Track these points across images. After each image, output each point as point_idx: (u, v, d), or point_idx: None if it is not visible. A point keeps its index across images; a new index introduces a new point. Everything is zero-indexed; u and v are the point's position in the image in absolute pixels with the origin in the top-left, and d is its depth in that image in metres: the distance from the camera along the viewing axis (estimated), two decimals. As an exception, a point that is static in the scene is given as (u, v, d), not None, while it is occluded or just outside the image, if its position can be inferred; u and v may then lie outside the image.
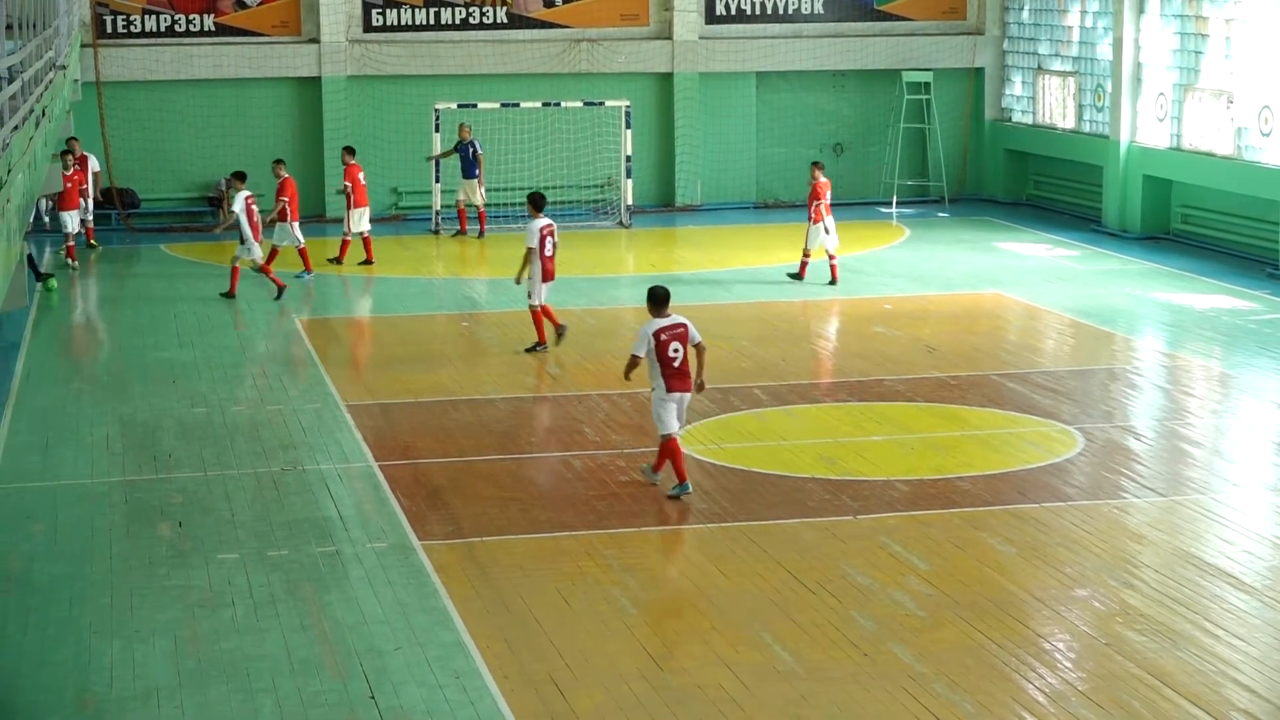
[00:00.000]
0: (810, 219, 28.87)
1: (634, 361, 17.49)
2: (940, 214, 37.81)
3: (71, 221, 31.23)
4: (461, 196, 34.55)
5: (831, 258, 29.03)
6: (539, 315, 24.07)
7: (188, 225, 35.69)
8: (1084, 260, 31.88)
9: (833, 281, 28.97)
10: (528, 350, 24.08)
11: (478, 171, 34.33)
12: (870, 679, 12.83)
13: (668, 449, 17.52)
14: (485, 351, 24.61)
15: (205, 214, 36.16)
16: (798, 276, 29.40)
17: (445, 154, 34.83)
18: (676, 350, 17.38)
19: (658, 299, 17.61)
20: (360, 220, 31.29)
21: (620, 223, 36.11)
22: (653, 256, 33.17)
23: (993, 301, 28.17)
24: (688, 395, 17.55)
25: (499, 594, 14.68)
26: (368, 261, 31.19)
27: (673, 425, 17.45)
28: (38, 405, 21.79)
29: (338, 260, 31.26)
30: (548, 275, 23.84)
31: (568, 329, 24.45)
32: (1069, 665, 13.18)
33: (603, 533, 16.38)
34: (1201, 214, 33.20)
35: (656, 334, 17.36)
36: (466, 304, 28.29)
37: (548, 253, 23.75)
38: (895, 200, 38.59)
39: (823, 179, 28.93)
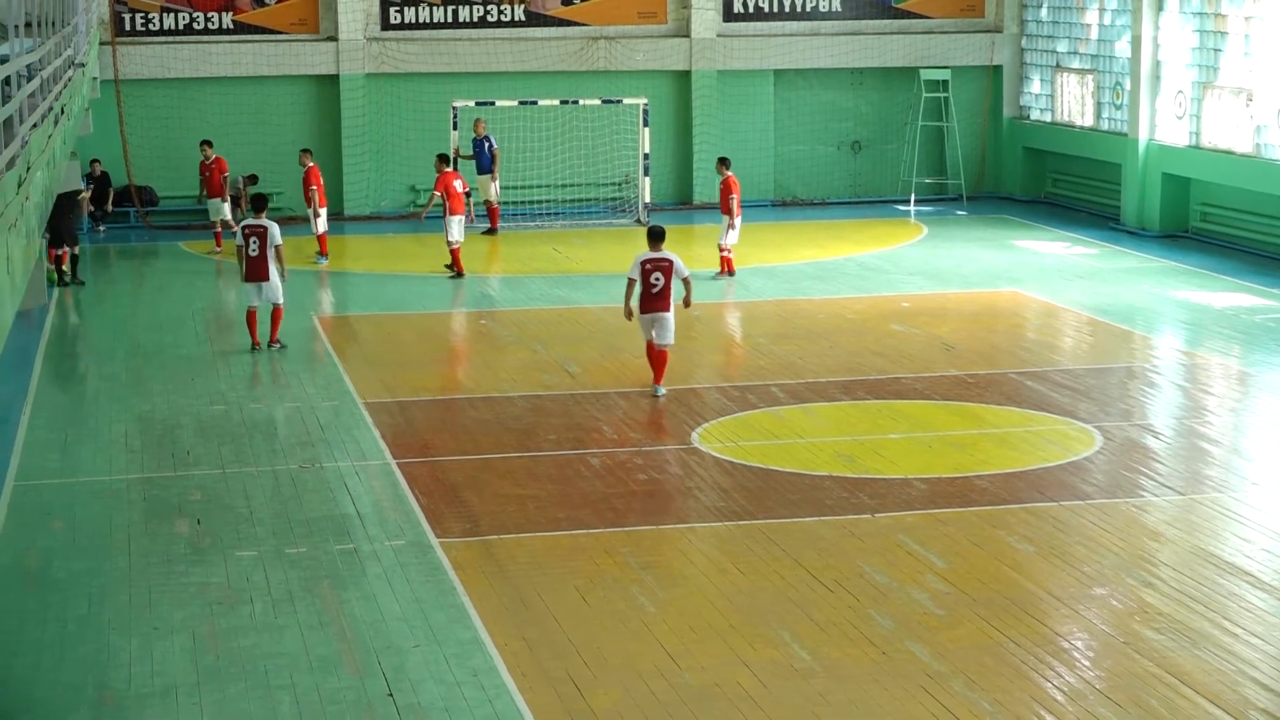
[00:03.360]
0: (733, 214, 29.07)
1: (630, 284, 21.24)
2: (958, 212, 37.76)
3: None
4: (482, 194, 34.60)
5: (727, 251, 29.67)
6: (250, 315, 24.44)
7: (207, 224, 35.69)
8: (1102, 258, 31.82)
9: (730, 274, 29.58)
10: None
11: (493, 168, 34.38)
12: (888, 677, 12.83)
13: (649, 351, 21.43)
14: (503, 349, 24.62)
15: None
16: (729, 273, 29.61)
17: (467, 156, 34.76)
18: (657, 279, 21.06)
19: (652, 235, 21.48)
20: (458, 228, 29.73)
21: (638, 220, 36.09)
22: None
23: (1011, 299, 28.13)
24: (661, 315, 21.10)
25: (517, 592, 14.69)
26: (458, 273, 30.04)
27: (646, 336, 21.36)
28: (56, 402, 21.85)
29: (456, 270, 29.91)
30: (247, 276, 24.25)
31: (258, 346, 24.26)
32: (1087, 664, 13.16)
33: (620, 531, 16.39)
34: (1220, 212, 33.13)
35: (643, 264, 21.12)
36: (484, 301, 28.30)
37: (251, 253, 23.89)
38: (913, 198, 38.56)
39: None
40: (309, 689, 12.74)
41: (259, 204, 24.56)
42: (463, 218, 30.05)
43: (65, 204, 29.98)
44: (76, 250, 29.90)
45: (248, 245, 23.93)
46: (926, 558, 15.48)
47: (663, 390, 21.39)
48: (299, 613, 14.27)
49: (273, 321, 24.25)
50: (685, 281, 21.34)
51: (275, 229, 24.08)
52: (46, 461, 19.08)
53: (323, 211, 31.59)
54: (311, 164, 31.87)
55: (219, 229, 32.75)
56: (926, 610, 14.20)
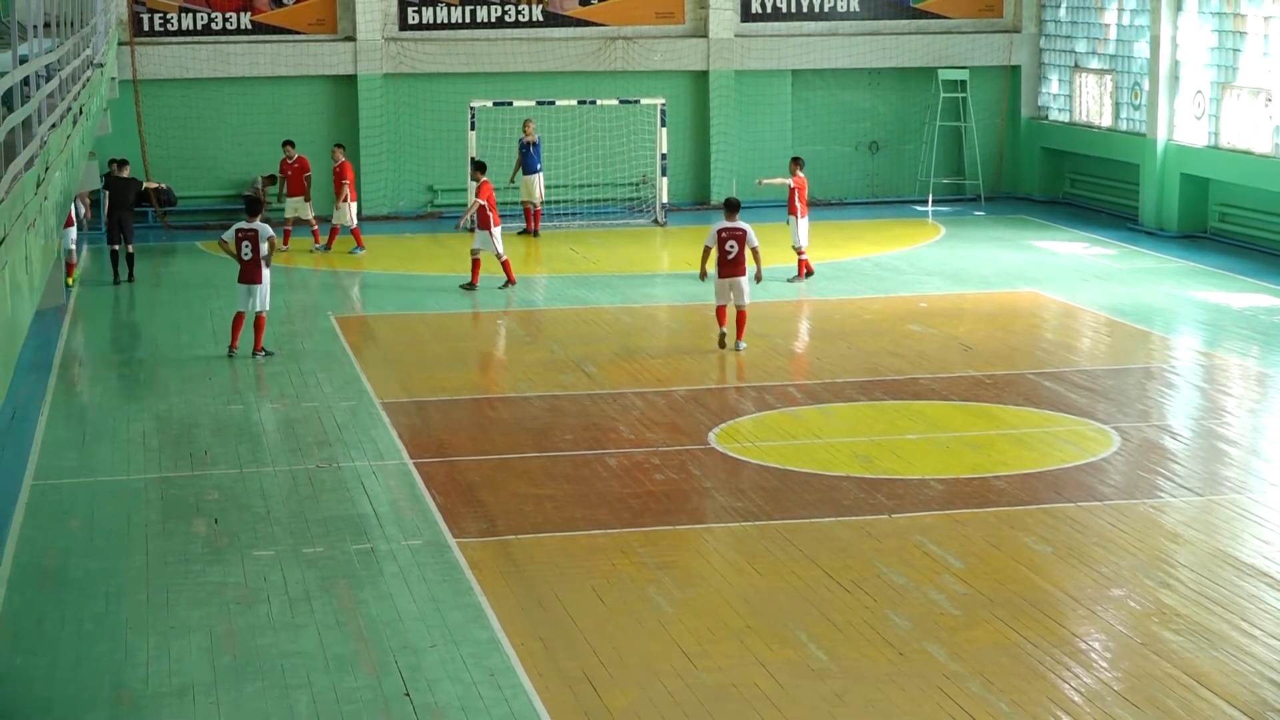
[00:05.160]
0: (799, 215, 29.03)
1: (706, 251, 23.83)
2: (976, 212, 37.72)
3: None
4: (525, 195, 34.53)
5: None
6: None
7: (225, 223, 35.69)
8: (1121, 259, 31.76)
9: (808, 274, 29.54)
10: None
11: (539, 167, 34.40)
12: (905, 678, 12.81)
13: (718, 314, 23.85)
14: (520, 349, 24.63)
15: (241, 212, 36.17)
16: (809, 274, 29.48)
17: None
18: (732, 247, 23.49)
19: (728, 206, 24.12)
20: (500, 240, 28.46)
21: (655, 220, 36.11)
22: (688, 254, 33.11)
23: (1029, 300, 28.08)
24: (737, 279, 23.49)
25: (533, 591, 14.69)
26: (509, 281, 28.96)
27: (721, 300, 23.77)
28: (74, 402, 21.89)
29: (509, 284, 28.78)
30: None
31: (234, 350, 23.95)
32: (1104, 665, 13.13)
33: (637, 531, 16.39)
34: (1239, 212, 33.05)
35: (719, 232, 23.60)
36: (502, 302, 28.28)
37: (245, 256, 23.71)
38: (931, 198, 38.52)
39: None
40: (326, 688, 12.75)
41: (253, 207, 24.42)
42: (500, 229, 28.80)
43: (127, 197, 30.19)
44: (131, 248, 30.08)
45: (240, 249, 23.76)
46: (944, 558, 15.46)
47: (743, 345, 23.77)
48: (316, 612, 14.29)
49: (256, 329, 23.96)
50: (754, 252, 23.59)
51: (266, 229, 24.02)
52: (64, 461, 19.11)
53: (354, 205, 32.83)
54: (344, 159, 32.84)
55: (289, 226, 33.16)
56: (943, 611, 14.19)
